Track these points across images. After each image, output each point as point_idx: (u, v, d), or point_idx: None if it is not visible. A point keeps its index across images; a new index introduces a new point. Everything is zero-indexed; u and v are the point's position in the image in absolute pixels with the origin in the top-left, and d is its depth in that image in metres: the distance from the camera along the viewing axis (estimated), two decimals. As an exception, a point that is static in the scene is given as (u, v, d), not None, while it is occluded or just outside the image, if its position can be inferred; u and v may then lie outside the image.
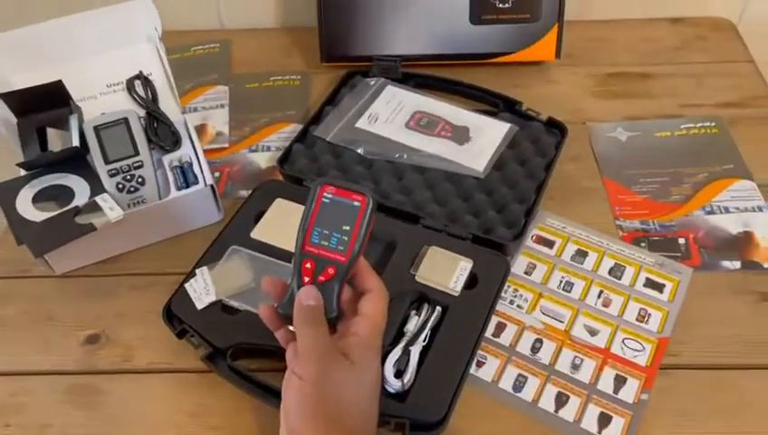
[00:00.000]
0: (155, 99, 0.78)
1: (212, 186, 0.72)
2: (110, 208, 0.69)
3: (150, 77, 0.80)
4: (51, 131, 0.75)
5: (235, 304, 0.64)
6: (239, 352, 0.62)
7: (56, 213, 0.68)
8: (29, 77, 0.76)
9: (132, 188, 0.71)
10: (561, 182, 0.77)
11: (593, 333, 0.65)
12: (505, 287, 0.67)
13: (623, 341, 0.64)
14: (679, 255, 0.70)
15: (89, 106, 0.77)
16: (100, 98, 0.79)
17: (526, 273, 0.70)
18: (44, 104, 0.74)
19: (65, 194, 0.71)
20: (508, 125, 0.80)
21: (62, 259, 0.71)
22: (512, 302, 0.67)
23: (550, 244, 0.72)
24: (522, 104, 0.83)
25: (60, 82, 0.72)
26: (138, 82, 0.78)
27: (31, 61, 0.78)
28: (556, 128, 0.80)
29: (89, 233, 0.67)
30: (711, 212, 0.74)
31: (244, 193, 0.78)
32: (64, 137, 0.75)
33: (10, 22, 0.76)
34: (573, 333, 0.65)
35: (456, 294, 0.64)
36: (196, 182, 0.73)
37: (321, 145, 0.79)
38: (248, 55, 0.96)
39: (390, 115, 0.82)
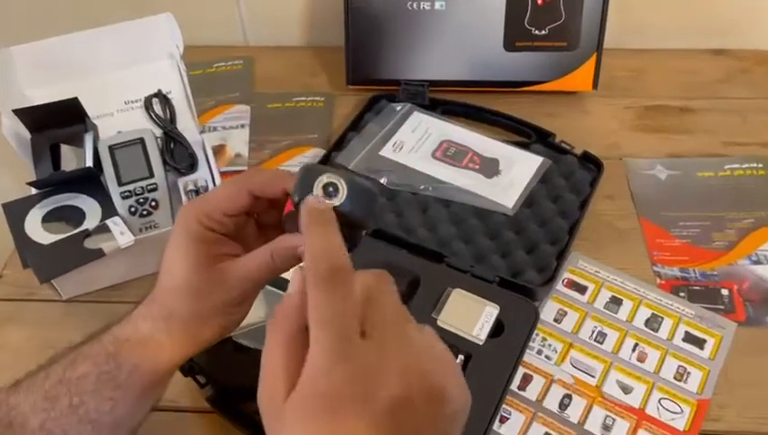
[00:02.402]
0: (173, 118, 0.75)
1: (227, 213, 0.69)
2: (121, 233, 0.66)
3: (169, 95, 0.77)
4: (65, 148, 0.73)
5: (245, 342, 0.61)
6: (247, 393, 0.59)
7: (65, 236, 0.66)
8: (46, 91, 0.74)
9: (145, 212, 0.68)
10: (595, 222, 0.73)
11: (627, 390, 0.60)
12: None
13: (659, 401, 0.59)
14: (722, 307, 0.65)
15: (105, 123, 0.75)
16: (117, 115, 0.76)
17: (556, 320, 0.65)
18: (59, 120, 0.71)
19: (76, 215, 0.69)
20: (541, 158, 0.76)
21: (69, 283, 0.68)
22: (539, 352, 0.63)
23: (582, 289, 0.67)
24: (555, 136, 0.79)
25: (75, 99, 0.69)
26: (156, 101, 0.75)
27: (48, 75, 0.75)
28: (591, 163, 0.76)
29: (97, 259, 0.64)
30: (757, 262, 0.69)
31: (261, 220, 0.75)
32: (79, 154, 0.73)
33: (28, 34, 0.74)
34: (605, 390, 0.60)
35: (481, 343, 0.60)
36: (211, 208, 0.69)
37: (343, 173, 0.75)
38: (272, 74, 0.93)
39: (416, 144, 0.78)
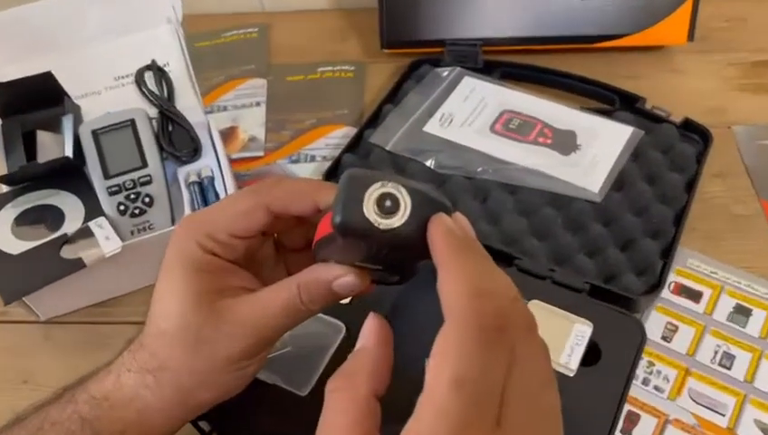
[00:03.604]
0: (171, 95, 0.62)
1: (237, 209, 0.55)
2: (106, 238, 0.53)
3: (167, 67, 0.63)
4: (44, 135, 0.60)
5: (261, 376, 0.47)
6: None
7: (38, 243, 0.53)
8: (21, 68, 0.61)
9: (137, 211, 0.55)
10: (705, 207, 0.57)
11: (772, 434, 0.45)
12: (638, 360, 0.47)
13: (819, 449, 0.44)
14: None
15: (92, 103, 0.62)
16: (105, 93, 0.63)
17: (665, 338, 0.50)
18: (35, 102, 0.59)
19: (54, 216, 0.56)
20: (630, 129, 0.60)
21: (46, 301, 0.55)
22: (646, 381, 0.48)
23: (695, 296, 0.52)
24: (645, 101, 0.63)
25: (49, 73, 0.57)
26: (149, 74, 0.61)
27: (24, 48, 0.63)
28: (695, 133, 0.60)
29: (76, 271, 0.51)
30: None
31: (281, 216, 0.61)
32: (61, 141, 0.60)
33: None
34: (741, 433, 0.45)
35: (571, 374, 0.45)
36: (218, 203, 0.56)
37: (380, 155, 0.61)
38: (292, 42, 0.79)
39: (469, 116, 0.63)
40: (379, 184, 0.26)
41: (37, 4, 0.63)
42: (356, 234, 0.26)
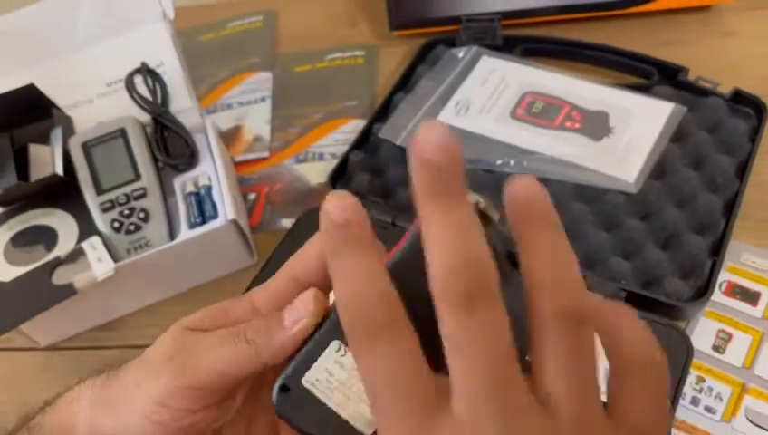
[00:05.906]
0: (165, 99, 0.58)
1: (234, 221, 0.51)
2: (98, 259, 0.50)
3: (161, 68, 0.59)
4: (38, 150, 0.57)
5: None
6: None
7: (30, 268, 0.50)
8: (6, 81, 0.58)
9: (132, 227, 0.52)
10: (759, 193, 0.50)
11: None
12: (684, 377, 0.42)
13: None
14: None
15: (85, 113, 0.59)
16: (98, 101, 0.60)
17: (716, 349, 0.44)
18: (23, 116, 0.56)
19: (48, 237, 0.54)
20: (670, 105, 0.53)
21: (45, 327, 0.52)
22: (695, 401, 0.42)
23: (752, 297, 0.45)
24: (688, 71, 0.56)
25: (31, 86, 0.53)
26: (139, 78, 0.57)
27: (7, 58, 0.60)
28: (748, 106, 0.53)
29: (68, 298, 0.48)
30: None
31: (288, 223, 0.57)
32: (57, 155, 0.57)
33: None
34: (810, 461, 0.39)
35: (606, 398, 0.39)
36: (215, 215, 0.52)
37: (390, 151, 0.55)
38: (299, 29, 0.73)
39: (488, 101, 0.57)
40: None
41: (19, 12, 0.60)
42: None
